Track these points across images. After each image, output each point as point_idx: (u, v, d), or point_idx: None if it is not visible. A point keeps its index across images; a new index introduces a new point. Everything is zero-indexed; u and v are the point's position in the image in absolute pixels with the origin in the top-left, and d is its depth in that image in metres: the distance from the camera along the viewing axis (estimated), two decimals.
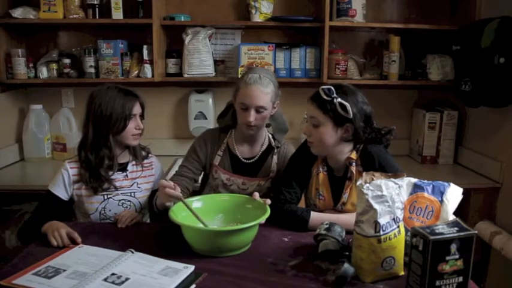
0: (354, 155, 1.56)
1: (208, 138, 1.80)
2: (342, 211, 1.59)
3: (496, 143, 2.34)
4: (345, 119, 1.48)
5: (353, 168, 1.56)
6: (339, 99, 1.47)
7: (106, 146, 1.66)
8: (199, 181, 1.89)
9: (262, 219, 1.37)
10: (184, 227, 1.35)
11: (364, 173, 1.27)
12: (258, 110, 1.65)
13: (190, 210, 1.44)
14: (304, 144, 1.67)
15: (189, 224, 1.37)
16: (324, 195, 1.61)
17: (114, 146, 1.68)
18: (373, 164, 1.53)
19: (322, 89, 1.49)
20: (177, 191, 1.43)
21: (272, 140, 1.83)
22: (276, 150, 1.81)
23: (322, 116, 1.49)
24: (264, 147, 1.81)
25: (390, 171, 1.50)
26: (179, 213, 1.42)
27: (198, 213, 1.46)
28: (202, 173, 1.86)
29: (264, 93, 1.64)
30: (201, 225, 1.46)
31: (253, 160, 1.79)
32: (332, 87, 1.48)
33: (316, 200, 1.63)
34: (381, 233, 1.16)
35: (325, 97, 1.48)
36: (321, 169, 1.62)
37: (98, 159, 1.66)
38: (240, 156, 1.78)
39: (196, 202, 1.54)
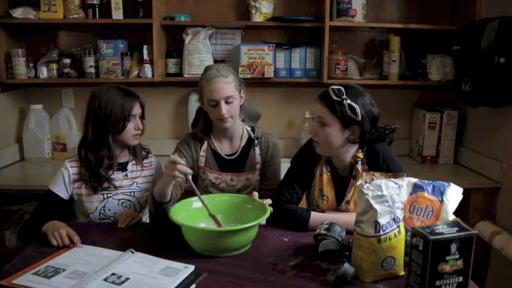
0: (360, 154, 1.56)
1: (190, 141, 1.81)
2: (345, 210, 1.59)
3: (496, 143, 2.34)
4: (352, 121, 1.47)
5: (359, 167, 1.56)
6: (349, 101, 1.46)
7: (105, 145, 1.66)
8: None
9: (263, 219, 1.37)
10: (185, 227, 1.35)
11: (364, 173, 1.27)
12: (227, 100, 1.67)
13: (199, 197, 1.47)
14: (306, 144, 1.67)
15: (189, 224, 1.36)
16: (327, 196, 1.61)
17: (113, 146, 1.68)
18: (378, 161, 1.54)
19: (332, 89, 1.48)
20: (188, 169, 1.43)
21: (251, 132, 1.84)
22: (256, 142, 1.82)
23: (330, 116, 1.48)
24: (244, 141, 1.82)
25: (394, 169, 1.50)
26: (179, 213, 1.42)
27: (198, 213, 1.48)
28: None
29: (226, 83, 1.67)
30: (202, 225, 1.46)
31: (236, 156, 1.80)
32: (342, 88, 1.47)
33: (319, 201, 1.63)
34: (381, 233, 1.16)
35: (335, 97, 1.47)
36: (324, 170, 1.62)
37: (97, 159, 1.66)
38: (222, 154, 1.79)
39: (196, 202, 1.54)
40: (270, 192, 1.72)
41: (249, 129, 1.85)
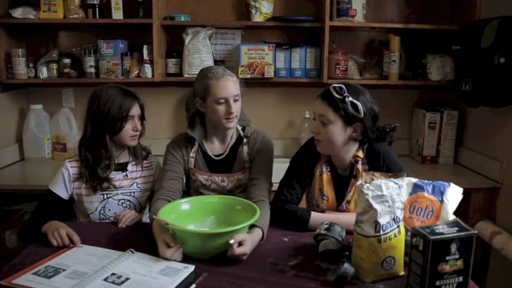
0: (360, 154, 1.56)
1: (181, 143, 1.77)
2: (345, 210, 1.59)
3: (496, 143, 2.34)
4: (354, 118, 1.48)
5: (359, 167, 1.56)
6: (351, 98, 1.47)
7: (103, 145, 1.66)
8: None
9: (251, 222, 1.36)
10: (170, 229, 1.33)
11: (364, 173, 1.27)
12: (235, 99, 1.67)
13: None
14: (306, 144, 1.67)
15: (175, 227, 1.33)
16: (327, 196, 1.61)
17: (111, 146, 1.68)
18: (378, 161, 1.54)
19: (333, 87, 1.48)
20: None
21: (241, 131, 1.80)
22: (245, 141, 1.78)
23: (332, 114, 1.49)
24: (233, 140, 1.79)
25: (394, 169, 1.51)
26: (167, 216, 1.39)
27: (186, 216, 1.48)
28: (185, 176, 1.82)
29: (234, 82, 1.68)
30: (191, 228, 1.44)
31: (224, 155, 1.78)
32: (343, 86, 1.48)
33: (319, 201, 1.63)
34: (381, 233, 1.16)
35: (336, 95, 1.47)
36: (324, 169, 1.62)
37: (95, 158, 1.67)
38: (211, 155, 1.77)
39: (184, 204, 1.53)
40: (258, 188, 1.64)
41: (239, 128, 1.81)
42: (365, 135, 1.52)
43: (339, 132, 1.50)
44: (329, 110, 1.49)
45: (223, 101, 1.65)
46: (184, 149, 1.77)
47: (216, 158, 1.77)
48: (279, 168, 1.77)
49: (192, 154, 1.77)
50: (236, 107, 1.67)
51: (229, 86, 1.65)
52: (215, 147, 1.79)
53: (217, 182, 1.76)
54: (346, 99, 1.46)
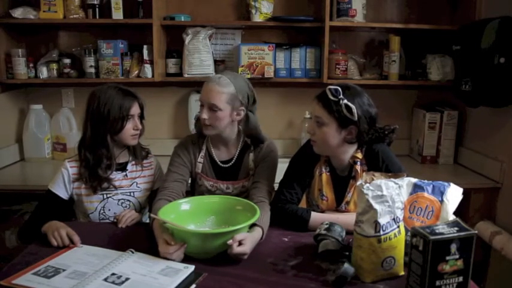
0: (359, 155, 1.57)
1: (189, 145, 1.77)
2: (345, 211, 1.59)
3: (496, 143, 2.34)
4: (349, 121, 1.48)
5: (358, 167, 1.56)
6: (345, 101, 1.46)
7: (103, 145, 1.66)
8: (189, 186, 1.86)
9: (251, 222, 1.36)
10: (170, 229, 1.33)
11: (364, 173, 1.27)
12: (212, 108, 1.62)
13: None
14: (306, 144, 1.67)
15: (175, 227, 1.32)
16: (327, 196, 1.61)
17: (112, 146, 1.68)
18: (377, 162, 1.54)
19: (329, 89, 1.49)
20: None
21: (247, 139, 1.78)
22: (252, 148, 1.77)
23: (327, 116, 1.49)
24: (239, 148, 1.78)
25: (393, 169, 1.51)
26: (167, 216, 1.39)
27: (186, 216, 1.48)
28: (190, 179, 1.82)
29: (217, 92, 1.61)
30: (191, 228, 1.44)
31: (232, 163, 1.77)
32: (339, 88, 1.48)
33: (318, 201, 1.63)
34: (381, 233, 1.16)
35: (331, 97, 1.48)
36: (323, 170, 1.62)
37: (96, 159, 1.66)
38: (218, 161, 1.76)
39: (184, 204, 1.52)
40: (259, 190, 1.63)
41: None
42: (360, 138, 1.52)
43: (333, 134, 1.50)
44: (324, 111, 1.50)
45: (200, 103, 1.66)
46: (192, 153, 1.77)
47: (223, 166, 1.77)
48: (279, 169, 1.77)
49: (199, 159, 1.77)
50: (210, 116, 1.62)
51: (208, 92, 1.62)
52: (221, 154, 1.78)
53: (223, 188, 1.76)
54: (341, 101, 1.46)
